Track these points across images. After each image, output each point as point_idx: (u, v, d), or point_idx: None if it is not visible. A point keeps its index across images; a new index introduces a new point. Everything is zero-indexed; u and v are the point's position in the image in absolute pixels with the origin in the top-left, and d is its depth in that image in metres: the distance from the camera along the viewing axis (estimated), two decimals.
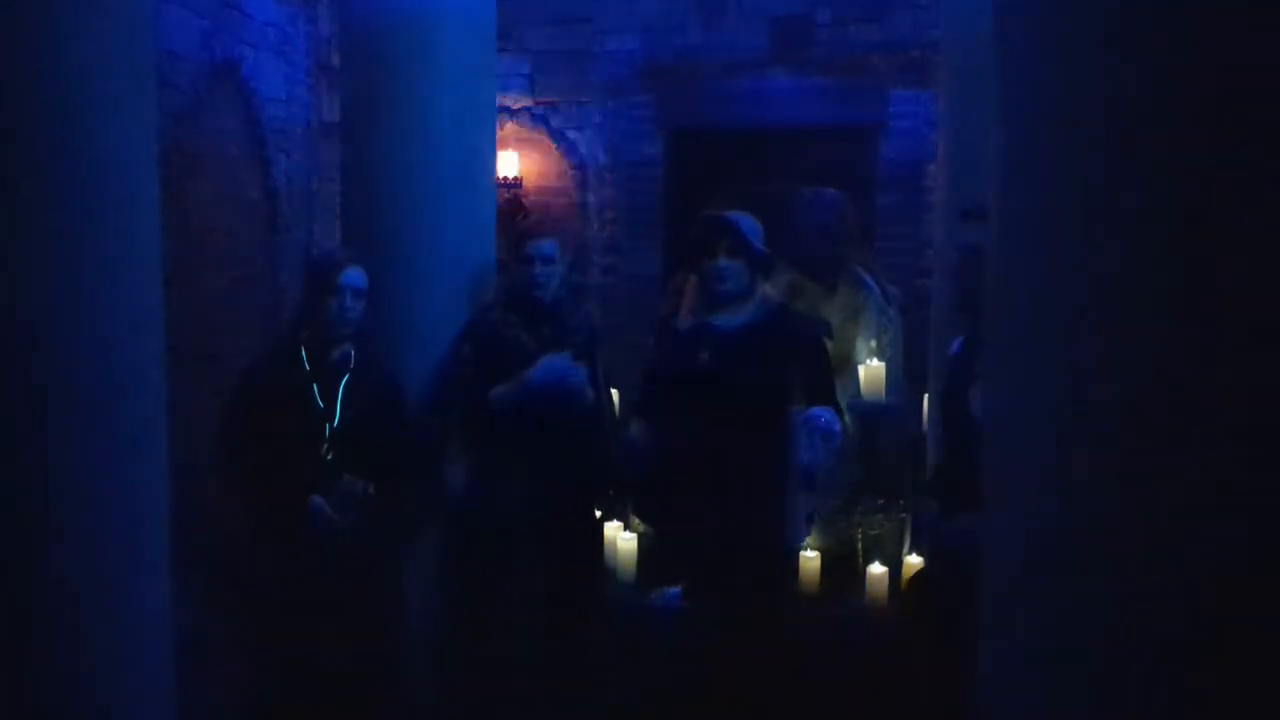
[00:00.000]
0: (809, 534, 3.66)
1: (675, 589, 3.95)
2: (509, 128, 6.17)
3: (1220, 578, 1.47)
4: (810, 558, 4.02)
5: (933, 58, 5.44)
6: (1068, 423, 1.60)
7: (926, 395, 4.12)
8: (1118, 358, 1.54)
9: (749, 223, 3.32)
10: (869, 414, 4.27)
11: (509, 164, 6.15)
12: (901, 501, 4.10)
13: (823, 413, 3.12)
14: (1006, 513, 1.73)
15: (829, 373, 3.39)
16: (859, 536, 4.13)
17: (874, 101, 5.87)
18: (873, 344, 4.36)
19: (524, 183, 6.32)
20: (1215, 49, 1.43)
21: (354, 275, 3.15)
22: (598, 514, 3.94)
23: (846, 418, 4.20)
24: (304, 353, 3.13)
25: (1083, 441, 1.58)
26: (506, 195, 5.92)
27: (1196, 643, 1.47)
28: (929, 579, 3.36)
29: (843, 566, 4.08)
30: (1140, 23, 1.48)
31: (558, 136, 6.37)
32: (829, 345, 3.52)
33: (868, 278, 4.52)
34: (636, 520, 4.28)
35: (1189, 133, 1.46)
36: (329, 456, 3.05)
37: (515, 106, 6.30)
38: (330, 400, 3.09)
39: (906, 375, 4.56)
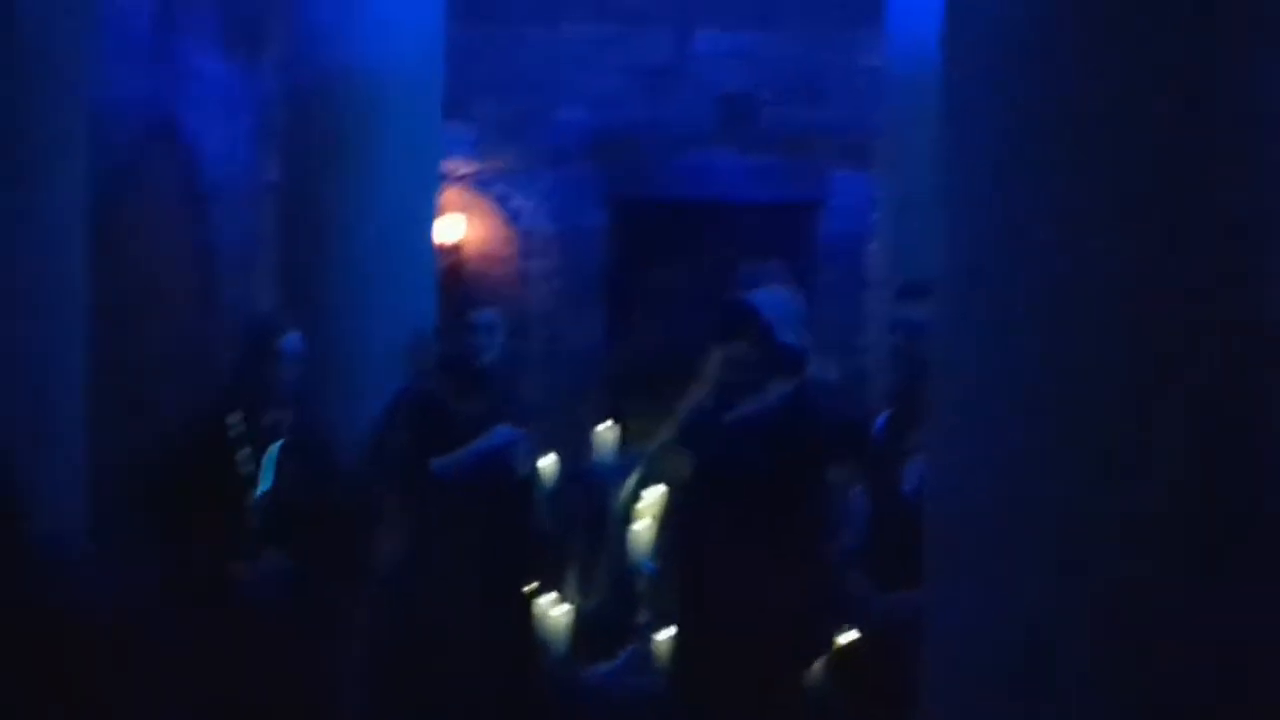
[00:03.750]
0: None
1: (611, 664, 3.89)
2: (452, 193, 6.15)
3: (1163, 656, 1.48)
4: None
5: (872, 141, 5.56)
6: (1009, 503, 1.60)
7: None
8: (1060, 436, 1.55)
9: (777, 305, 3.12)
10: None
11: (452, 229, 6.13)
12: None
13: None
14: (947, 591, 1.72)
15: (844, 440, 3.13)
16: None
17: (814, 180, 5.98)
18: None
19: (466, 249, 6.30)
20: (1167, 126, 1.47)
21: (292, 340, 3.10)
22: (532, 585, 3.87)
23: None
24: (236, 416, 3.06)
25: (1024, 524, 1.58)
26: (448, 261, 5.89)
27: None
28: (859, 653, 3.31)
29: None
30: (1088, 101, 1.51)
31: (502, 203, 6.38)
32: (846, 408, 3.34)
33: None
34: (573, 594, 4.22)
35: (1136, 214, 1.49)
36: (255, 523, 2.98)
37: (460, 172, 6.30)
38: (260, 465, 3.03)
39: None
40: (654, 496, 3.85)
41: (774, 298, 3.16)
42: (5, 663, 1.20)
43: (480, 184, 6.37)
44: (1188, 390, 1.48)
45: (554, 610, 4.09)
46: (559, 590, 4.26)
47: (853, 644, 3.36)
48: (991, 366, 1.63)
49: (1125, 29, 1.48)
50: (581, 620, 4.12)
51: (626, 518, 4.13)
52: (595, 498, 4.50)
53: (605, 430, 4.56)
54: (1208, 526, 1.49)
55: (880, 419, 3.31)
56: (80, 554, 1.33)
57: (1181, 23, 1.46)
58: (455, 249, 6.17)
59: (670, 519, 3.49)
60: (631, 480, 4.33)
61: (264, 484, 3.01)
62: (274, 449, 3.04)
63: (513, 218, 6.37)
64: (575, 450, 4.81)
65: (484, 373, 3.55)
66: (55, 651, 1.27)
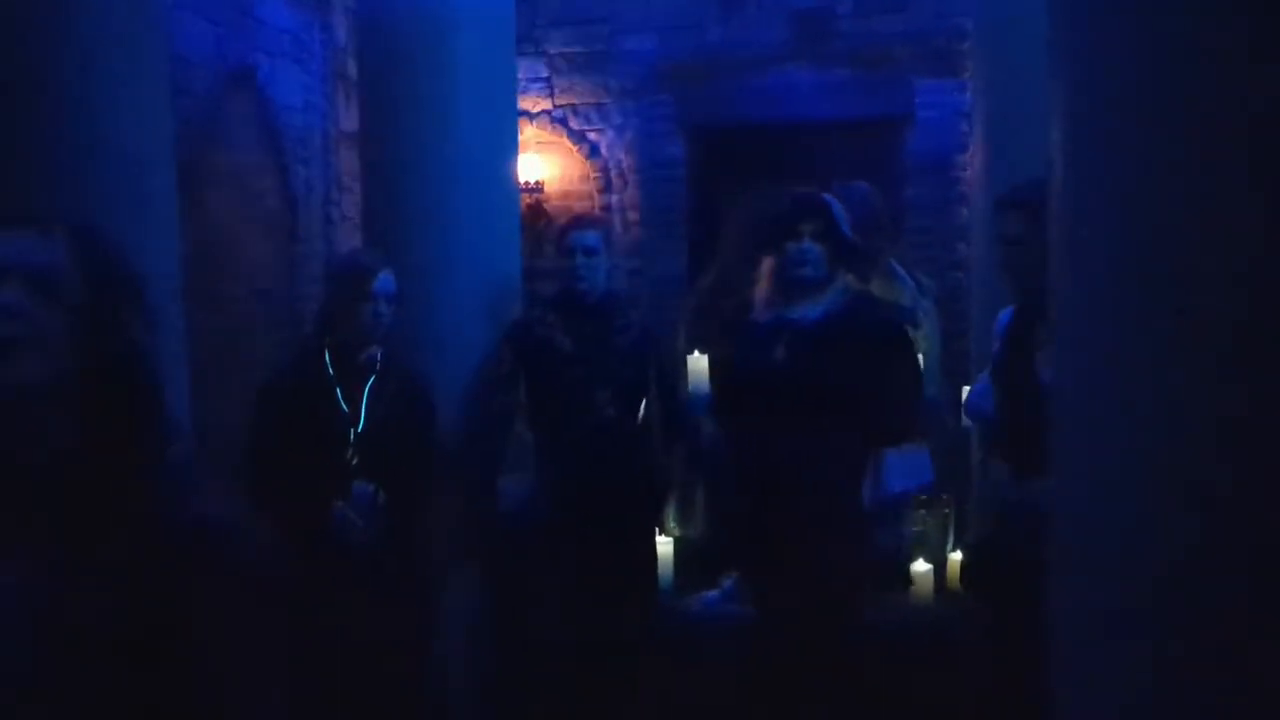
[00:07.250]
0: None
1: (714, 593, 3.86)
2: (529, 131, 6.09)
3: None
4: None
5: (958, 46, 5.34)
6: (1140, 398, 1.53)
7: (965, 387, 4.01)
8: (1190, 336, 1.48)
9: (840, 207, 3.16)
10: None
11: (530, 168, 6.08)
12: (944, 496, 3.98)
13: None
14: (1075, 483, 1.66)
15: (913, 366, 3.19)
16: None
17: (899, 93, 5.75)
18: None
19: (545, 187, 6.25)
20: None
21: (386, 280, 3.11)
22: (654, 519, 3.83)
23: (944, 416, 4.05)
24: (327, 357, 3.07)
25: (1153, 418, 1.51)
26: (529, 200, 5.85)
27: (1266, 618, 1.42)
28: (991, 548, 3.16)
29: (886, 564, 3.96)
30: None
31: (578, 139, 6.29)
32: (913, 335, 3.34)
33: (901, 270, 4.43)
34: (672, 525, 4.19)
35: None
36: (354, 461, 2.99)
37: (534, 110, 6.23)
38: (355, 404, 3.03)
39: (942, 368, 4.45)
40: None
41: (852, 193, 3.21)
42: (138, 576, 1.20)
43: (555, 120, 6.30)
44: None
45: (658, 541, 4.08)
46: (661, 522, 4.24)
47: (983, 542, 3.26)
48: (1120, 258, 1.54)
49: None
50: (683, 550, 4.09)
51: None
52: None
53: (696, 360, 4.48)
54: None
55: (1005, 314, 3.20)
56: (197, 482, 1.33)
57: None
58: (535, 187, 6.13)
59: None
60: None
61: (360, 421, 3.02)
62: (368, 386, 3.05)
63: (590, 152, 6.29)
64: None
65: (589, 301, 3.46)
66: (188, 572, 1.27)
